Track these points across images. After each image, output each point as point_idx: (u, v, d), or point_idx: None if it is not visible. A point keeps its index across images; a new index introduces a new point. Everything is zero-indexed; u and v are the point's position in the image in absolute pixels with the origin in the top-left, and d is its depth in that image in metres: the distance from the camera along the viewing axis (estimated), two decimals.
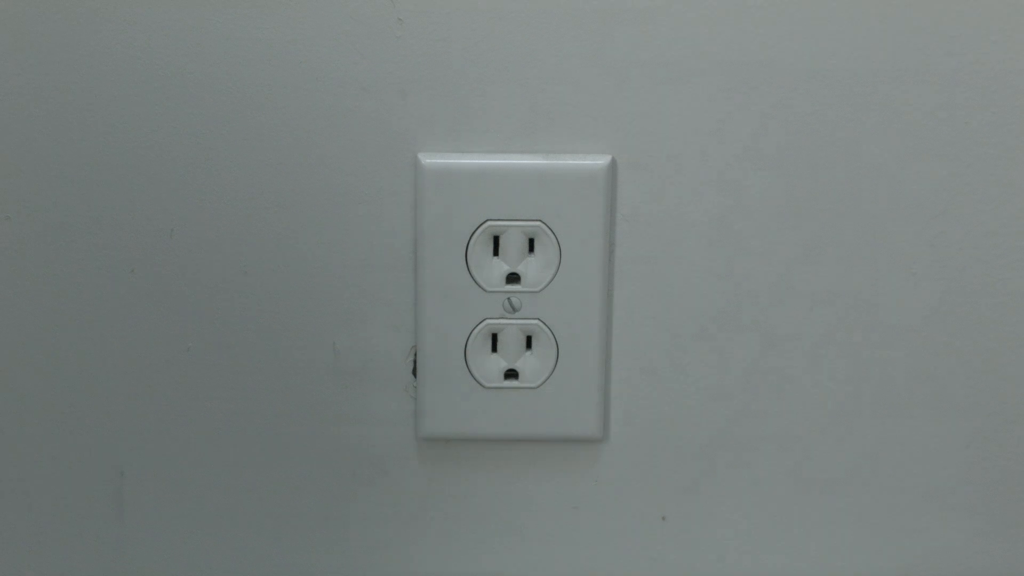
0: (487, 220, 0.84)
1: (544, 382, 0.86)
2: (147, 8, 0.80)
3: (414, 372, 0.86)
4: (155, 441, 0.88)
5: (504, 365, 0.86)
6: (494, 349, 0.86)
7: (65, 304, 0.85)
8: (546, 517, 0.88)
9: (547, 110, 0.82)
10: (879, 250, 0.85)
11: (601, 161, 0.83)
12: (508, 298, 0.85)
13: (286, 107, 0.82)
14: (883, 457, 0.88)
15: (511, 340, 0.85)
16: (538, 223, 0.84)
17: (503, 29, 0.81)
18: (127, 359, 0.86)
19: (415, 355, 0.86)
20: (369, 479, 0.88)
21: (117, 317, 0.85)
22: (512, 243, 0.84)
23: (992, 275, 0.85)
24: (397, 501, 0.89)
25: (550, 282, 0.84)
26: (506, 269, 0.84)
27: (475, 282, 0.84)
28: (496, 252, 0.84)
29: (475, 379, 0.86)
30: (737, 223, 0.84)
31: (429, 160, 0.83)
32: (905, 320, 0.86)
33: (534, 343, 0.86)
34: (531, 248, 0.84)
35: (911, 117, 0.82)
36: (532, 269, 0.84)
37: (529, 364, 0.86)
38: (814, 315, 0.86)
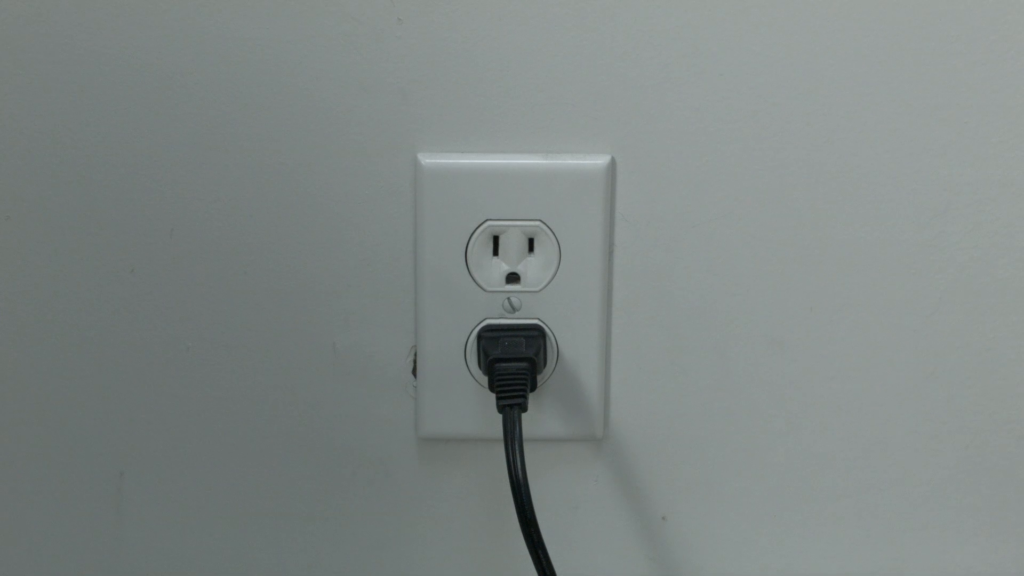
0: (487, 220, 0.84)
1: (544, 382, 0.86)
2: (146, 8, 0.80)
3: (414, 372, 0.86)
4: (155, 441, 0.88)
5: None
6: None
7: (65, 304, 0.85)
8: (546, 517, 0.88)
9: (547, 110, 0.82)
10: (879, 250, 0.85)
11: (601, 161, 0.83)
12: (508, 298, 0.85)
13: (286, 107, 0.82)
14: (883, 457, 0.88)
15: None
16: (538, 223, 0.84)
17: (503, 29, 0.81)
18: (127, 359, 0.86)
19: (415, 355, 0.86)
20: (369, 479, 0.88)
21: (117, 317, 0.85)
22: (512, 243, 0.84)
23: (992, 275, 0.85)
24: (397, 501, 0.89)
25: (550, 282, 0.84)
26: (506, 269, 0.84)
27: (475, 282, 0.84)
28: (496, 252, 0.84)
29: (475, 379, 0.86)
30: (737, 223, 0.84)
31: (429, 160, 0.83)
32: (905, 320, 0.86)
33: None
34: (531, 248, 0.84)
35: (911, 117, 0.82)
36: (532, 269, 0.84)
37: None
38: (814, 315, 0.86)
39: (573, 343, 0.85)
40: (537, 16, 0.81)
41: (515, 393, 0.82)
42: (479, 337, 0.85)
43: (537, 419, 0.87)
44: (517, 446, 0.80)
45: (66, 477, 0.88)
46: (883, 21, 0.81)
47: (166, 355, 0.86)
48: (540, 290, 0.85)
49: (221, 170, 0.83)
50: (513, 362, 0.83)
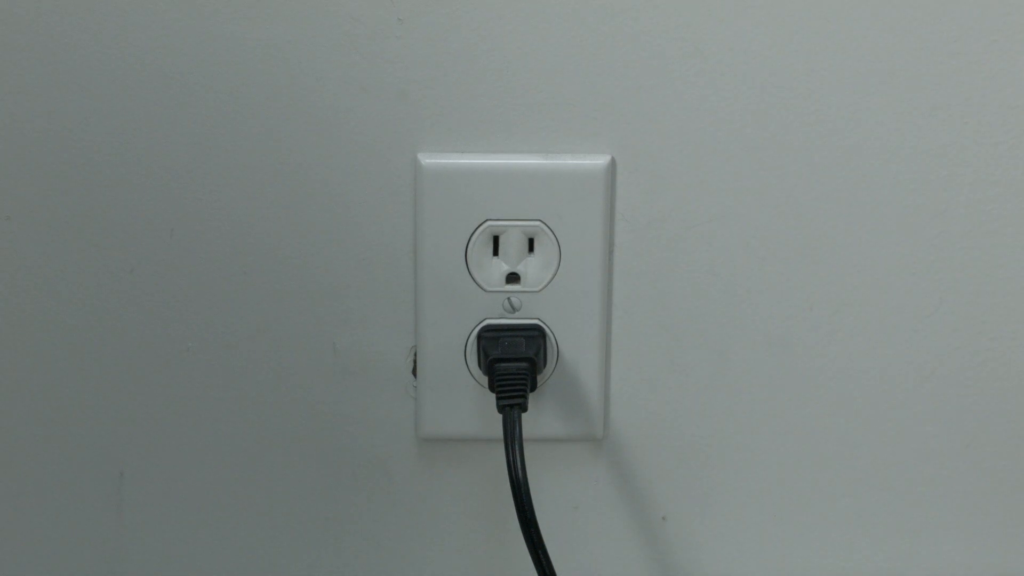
0: (487, 220, 0.84)
1: (544, 382, 0.86)
2: (147, 9, 0.80)
3: (414, 372, 0.86)
4: (155, 441, 0.88)
5: None
6: None
7: (65, 304, 0.85)
8: (546, 517, 0.88)
9: (547, 110, 0.82)
10: (879, 250, 0.85)
11: (601, 161, 0.83)
12: (508, 298, 0.85)
13: (286, 107, 0.82)
14: (883, 457, 0.88)
15: None
16: (538, 223, 0.84)
17: (503, 29, 0.81)
18: (127, 359, 0.86)
19: (415, 355, 0.86)
20: (369, 479, 0.88)
21: (117, 317, 0.85)
22: (512, 243, 0.84)
23: (992, 275, 0.85)
24: (397, 501, 0.89)
25: (550, 282, 0.84)
26: (506, 269, 0.84)
27: (475, 282, 0.84)
28: (496, 252, 0.84)
29: (475, 379, 0.86)
30: (737, 223, 0.84)
31: (429, 160, 0.83)
32: (905, 320, 0.86)
33: None
34: (531, 248, 0.84)
35: (911, 117, 0.82)
36: (532, 269, 0.84)
37: None
38: (813, 315, 0.86)
39: (573, 343, 0.85)
40: (537, 16, 0.81)
41: (515, 393, 0.82)
42: (479, 337, 0.85)
43: (537, 419, 0.87)
44: (517, 446, 0.80)
45: (66, 477, 0.88)
46: (883, 21, 0.81)
47: (166, 355, 0.86)
48: (540, 290, 0.85)
49: (221, 170, 0.83)
50: (513, 362, 0.83)
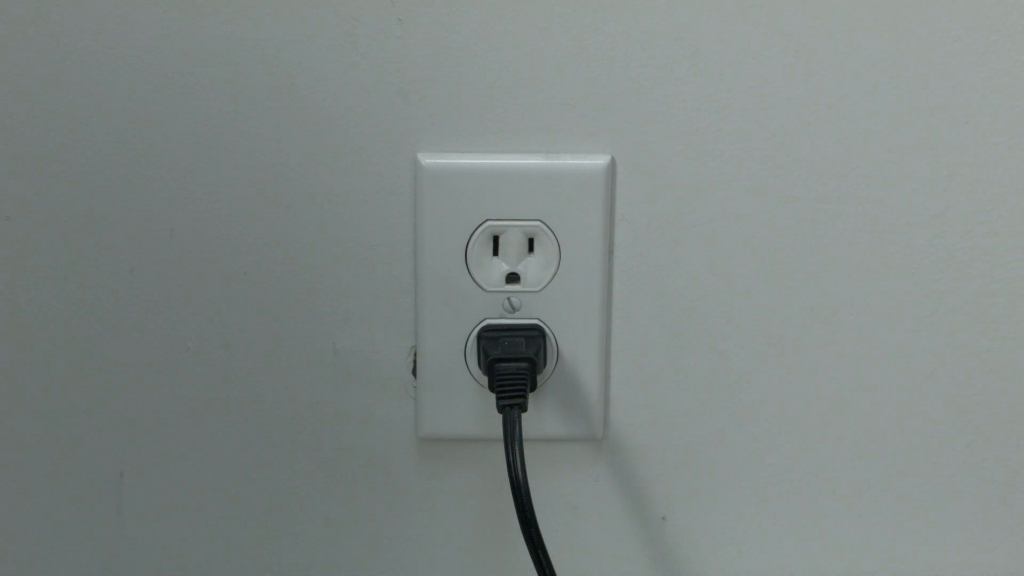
0: (487, 220, 0.84)
1: (544, 382, 0.86)
2: (147, 8, 0.80)
3: (414, 372, 0.86)
4: (155, 441, 0.88)
5: None
6: None
7: (65, 304, 0.85)
8: (546, 517, 0.88)
9: (547, 110, 0.82)
10: (879, 250, 0.85)
11: (601, 161, 0.83)
12: (508, 298, 0.85)
13: (286, 107, 0.82)
14: (883, 457, 0.88)
15: None
16: (538, 223, 0.84)
17: (503, 29, 0.81)
18: (127, 359, 0.86)
19: (415, 355, 0.86)
20: (369, 479, 0.88)
21: (117, 317, 0.85)
22: (512, 243, 0.84)
23: (992, 275, 0.85)
24: (397, 501, 0.89)
25: (550, 282, 0.84)
26: (506, 269, 0.84)
27: (475, 282, 0.84)
28: (496, 252, 0.84)
29: (475, 379, 0.86)
30: (737, 223, 0.84)
31: (429, 160, 0.83)
32: (905, 320, 0.86)
33: None
34: (531, 248, 0.84)
35: (911, 117, 0.82)
36: (532, 269, 0.84)
37: None
38: (813, 315, 0.86)
39: (573, 343, 0.85)
40: (537, 16, 0.81)
41: (515, 393, 0.82)
42: (479, 337, 0.85)
43: (537, 419, 0.87)
44: (517, 446, 0.80)
45: (66, 477, 0.88)
46: (883, 21, 0.81)
47: (166, 355, 0.86)
48: (540, 290, 0.85)
49: (221, 170, 0.83)
50: (513, 362, 0.83)
